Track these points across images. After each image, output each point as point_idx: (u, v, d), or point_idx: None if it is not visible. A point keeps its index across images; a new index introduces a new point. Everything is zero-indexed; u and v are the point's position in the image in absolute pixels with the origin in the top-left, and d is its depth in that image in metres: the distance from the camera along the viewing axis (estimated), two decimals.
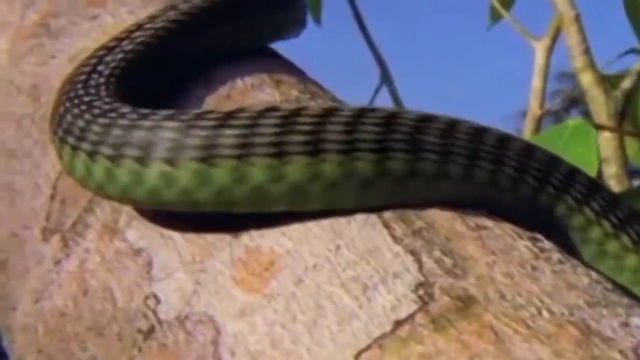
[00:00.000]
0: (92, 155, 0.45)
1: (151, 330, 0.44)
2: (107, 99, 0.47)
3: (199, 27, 0.58)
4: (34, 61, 0.67)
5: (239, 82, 0.57)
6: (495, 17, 1.40)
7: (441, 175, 0.43)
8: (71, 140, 0.46)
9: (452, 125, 0.44)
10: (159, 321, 0.44)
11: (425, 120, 0.43)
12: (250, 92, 0.56)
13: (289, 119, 0.41)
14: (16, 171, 0.61)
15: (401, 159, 0.42)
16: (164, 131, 0.43)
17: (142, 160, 0.43)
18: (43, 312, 0.52)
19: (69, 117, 0.47)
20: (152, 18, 0.58)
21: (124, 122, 0.44)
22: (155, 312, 0.45)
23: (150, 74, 0.54)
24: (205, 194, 0.42)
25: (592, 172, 0.75)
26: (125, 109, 0.45)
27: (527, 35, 1.30)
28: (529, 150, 0.45)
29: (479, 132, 0.44)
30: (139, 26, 0.57)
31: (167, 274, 0.46)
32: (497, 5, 1.35)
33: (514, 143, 0.45)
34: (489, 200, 0.44)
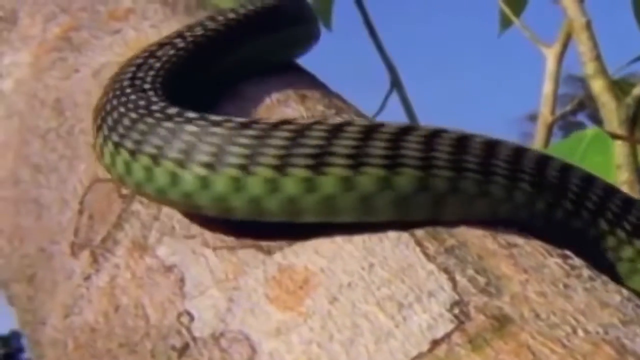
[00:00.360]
0: (155, 158, 0.44)
1: (185, 347, 0.45)
2: (163, 103, 0.47)
3: (229, 44, 0.59)
4: (57, 75, 0.67)
5: (265, 98, 0.58)
6: (506, 23, 1.41)
7: (507, 198, 0.45)
8: (129, 144, 0.46)
9: (518, 152, 0.46)
10: (194, 339, 0.44)
11: (494, 144, 0.45)
12: (276, 107, 0.57)
13: (366, 134, 0.42)
14: (42, 185, 0.61)
15: (473, 179, 0.44)
16: (238, 138, 0.43)
17: (211, 167, 0.43)
18: (73, 327, 0.52)
19: (125, 122, 0.47)
20: (181, 33, 0.59)
21: (192, 128, 0.44)
22: (189, 330, 0.45)
23: (182, 90, 0.55)
24: (274, 202, 0.42)
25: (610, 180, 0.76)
26: (192, 114, 0.45)
27: (537, 42, 1.30)
28: (590, 180, 0.47)
29: (544, 160, 0.46)
30: (169, 41, 0.58)
31: (201, 291, 0.46)
32: (508, 11, 1.36)
33: (576, 171, 0.47)
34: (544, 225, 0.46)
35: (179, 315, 0.46)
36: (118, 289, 0.50)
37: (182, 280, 0.47)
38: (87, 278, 0.53)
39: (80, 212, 0.57)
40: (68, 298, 0.54)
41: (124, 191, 0.55)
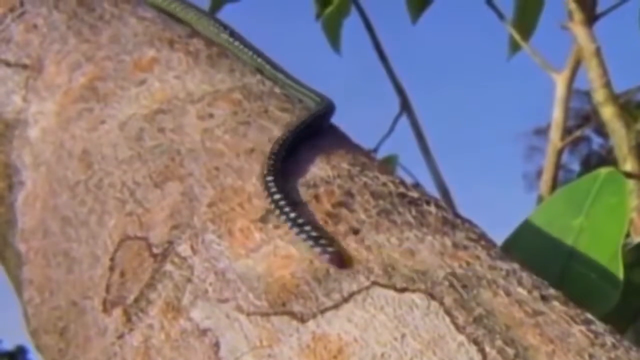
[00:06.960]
0: None
1: None
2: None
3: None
4: (84, 126, 0.69)
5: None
6: (515, 47, 1.42)
7: None
8: None
9: None
10: None
11: None
12: (303, 165, 0.58)
13: None
14: (72, 239, 0.63)
15: None
16: None
17: None
18: None
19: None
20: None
21: None
22: None
23: None
24: None
25: (624, 222, 0.77)
26: None
27: (547, 67, 1.32)
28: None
29: None
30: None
31: (236, 357, 0.47)
32: (516, 36, 1.37)
33: None
34: None
35: None
36: (153, 350, 0.52)
37: (216, 345, 0.49)
38: (121, 336, 0.54)
39: (112, 268, 0.58)
40: (101, 355, 0.55)
41: (155, 250, 0.56)
